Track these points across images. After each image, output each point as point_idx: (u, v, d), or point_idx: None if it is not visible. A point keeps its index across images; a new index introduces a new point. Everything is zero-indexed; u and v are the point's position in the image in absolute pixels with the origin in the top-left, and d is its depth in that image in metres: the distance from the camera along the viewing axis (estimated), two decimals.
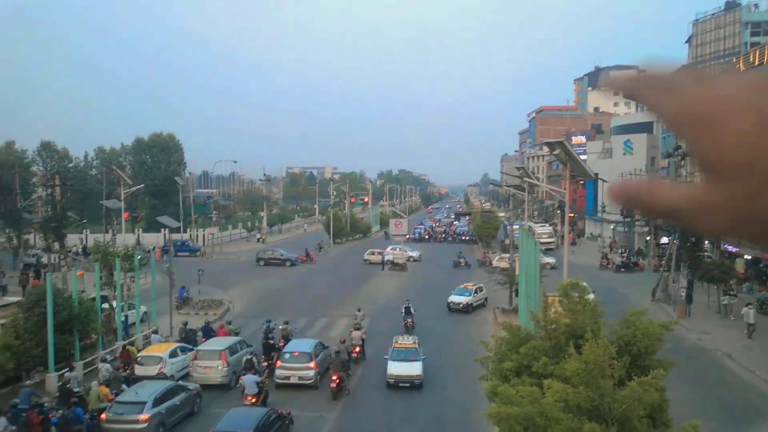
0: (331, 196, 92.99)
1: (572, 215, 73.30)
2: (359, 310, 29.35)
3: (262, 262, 52.11)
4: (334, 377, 20.77)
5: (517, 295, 29.52)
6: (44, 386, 20.57)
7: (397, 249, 54.85)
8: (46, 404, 17.72)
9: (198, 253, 57.44)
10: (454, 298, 34.55)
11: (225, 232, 73.38)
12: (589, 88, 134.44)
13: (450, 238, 77.83)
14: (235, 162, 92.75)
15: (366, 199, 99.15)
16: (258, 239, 71.46)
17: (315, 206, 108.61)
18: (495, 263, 47.01)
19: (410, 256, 55.11)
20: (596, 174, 60.67)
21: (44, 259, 43.38)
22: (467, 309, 33.86)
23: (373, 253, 54.29)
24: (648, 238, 54.64)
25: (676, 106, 0.52)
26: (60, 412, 17.07)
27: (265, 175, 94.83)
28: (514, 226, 42.49)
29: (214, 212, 79.57)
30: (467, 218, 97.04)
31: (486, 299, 35.70)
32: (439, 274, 48.45)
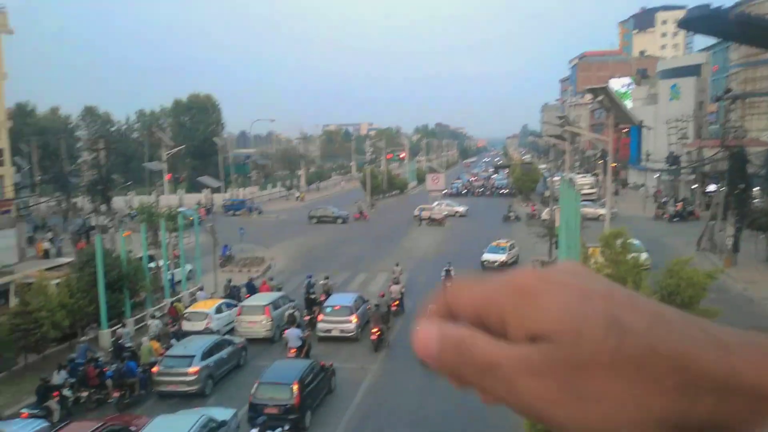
0: (368, 152, 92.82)
1: (615, 165, 71.56)
2: (397, 265, 29.56)
3: (314, 220, 52.35)
4: (375, 330, 21.12)
5: (557, 248, 29.19)
6: (98, 342, 21.58)
7: (443, 204, 54.41)
8: (101, 358, 18.62)
9: (254, 211, 57.82)
10: (488, 257, 33.13)
11: (264, 191, 74.38)
12: (635, 31, 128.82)
13: (488, 192, 77.07)
14: (272, 121, 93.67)
15: (402, 155, 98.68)
16: (297, 197, 72.21)
17: (351, 163, 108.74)
18: (545, 216, 45.94)
19: (456, 211, 54.35)
20: (641, 121, 58.78)
21: (92, 221, 44.82)
22: (503, 268, 32.03)
23: (424, 209, 52.55)
24: (694, 186, 52.94)
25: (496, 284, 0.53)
26: (114, 365, 17.91)
27: (301, 133, 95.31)
28: (555, 178, 41.68)
29: (253, 171, 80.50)
30: (506, 171, 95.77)
31: (518, 257, 34.47)
32: (479, 229, 48.23)
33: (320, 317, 22.52)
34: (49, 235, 42.50)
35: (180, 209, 35.60)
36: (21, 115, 70.57)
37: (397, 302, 25.07)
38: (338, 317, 22.12)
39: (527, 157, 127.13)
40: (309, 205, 57.32)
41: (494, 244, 34.39)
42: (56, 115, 78.93)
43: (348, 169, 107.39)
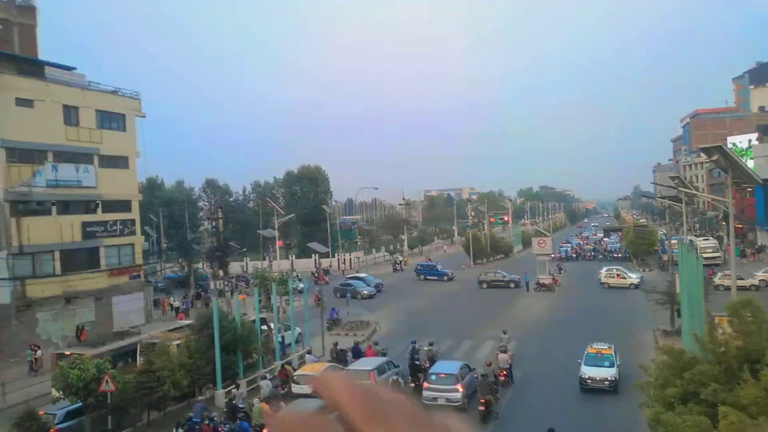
0: (470, 216, 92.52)
1: (740, 226, 66.24)
2: (505, 332, 28.70)
3: (485, 285, 51.35)
4: (482, 401, 20.43)
5: (679, 316, 27.17)
6: (213, 401, 22.46)
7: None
8: (216, 418, 19.32)
9: (445, 278, 56.99)
10: (590, 372, 23.26)
11: (369, 256, 75.76)
12: (752, 87, 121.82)
13: (600, 256, 73.78)
14: (376, 188, 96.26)
15: (506, 218, 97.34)
16: (400, 261, 72.86)
17: (453, 227, 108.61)
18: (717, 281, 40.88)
19: (630, 283, 47.75)
20: (766, 179, 54.52)
21: (211, 285, 47.58)
22: (613, 388, 22.56)
23: (611, 276, 49.53)
24: None
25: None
26: (228, 426, 18.52)
27: (404, 199, 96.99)
28: (673, 241, 39.26)
29: (359, 237, 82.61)
30: (618, 234, 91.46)
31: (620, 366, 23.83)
32: (589, 294, 46.07)
33: (426, 385, 22.16)
34: (175, 301, 45.62)
35: (296, 275, 37.29)
36: (150, 188, 77.60)
37: (505, 372, 24.21)
38: (444, 385, 21.64)
39: (642, 220, 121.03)
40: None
41: (592, 350, 24.45)
42: (181, 187, 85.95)
43: (450, 233, 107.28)
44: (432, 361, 25.23)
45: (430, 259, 70.72)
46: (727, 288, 39.06)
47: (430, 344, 27.35)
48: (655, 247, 64.46)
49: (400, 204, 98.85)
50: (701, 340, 12.66)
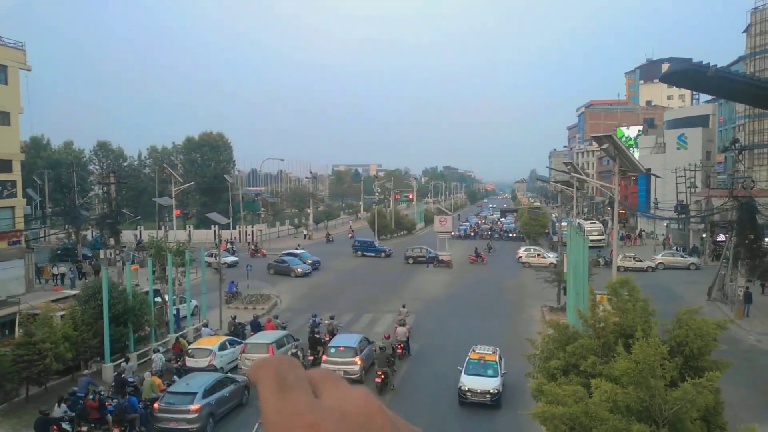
0: (376, 193, 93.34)
1: (623, 212, 71.39)
2: (404, 307, 29.39)
3: (411, 260, 51.21)
4: (379, 373, 20.86)
5: (565, 293, 29.00)
6: (101, 375, 21.42)
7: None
8: (102, 392, 18.42)
9: (382, 254, 55.56)
10: (471, 383, 20.06)
11: (273, 229, 74.58)
12: (641, 82, 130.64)
13: (496, 236, 77.00)
14: (282, 160, 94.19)
15: (410, 196, 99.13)
16: (305, 236, 72.37)
17: (360, 203, 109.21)
18: (551, 261, 44.71)
19: (550, 263, 47.27)
20: (648, 169, 58.92)
21: (100, 254, 45.03)
22: (495, 402, 19.72)
23: (531, 255, 51.01)
24: (704, 235, 52.72)
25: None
26: (115, 400, 17.74)
27: (311, 172, 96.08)
28: (563, 223, 41.66)
29: (262, 209, 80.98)
30: (514, 215, 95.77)
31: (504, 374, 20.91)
32: (487, 271, 48.05)
33: (324, 358, 22.30)
34: (62, 268, 42.74)
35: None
36: (35, 148, 71.69)
37: (402, 345, 24.83)
38: (342, 358, 21.88)
39: (536, 202, 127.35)
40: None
41: (475, 356, 21.30)
42: (69, 149, 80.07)
43: (356, 209, 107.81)
44: (332, 334, 25.41)
45: (329, 235, 70.87)
46: (628, 269, 42.54)
47: (331, 318, 27.49)
48: (546, 230, 68.22)
49: (306, 177, 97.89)
50: (584, 315, 13.55)
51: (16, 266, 35.36)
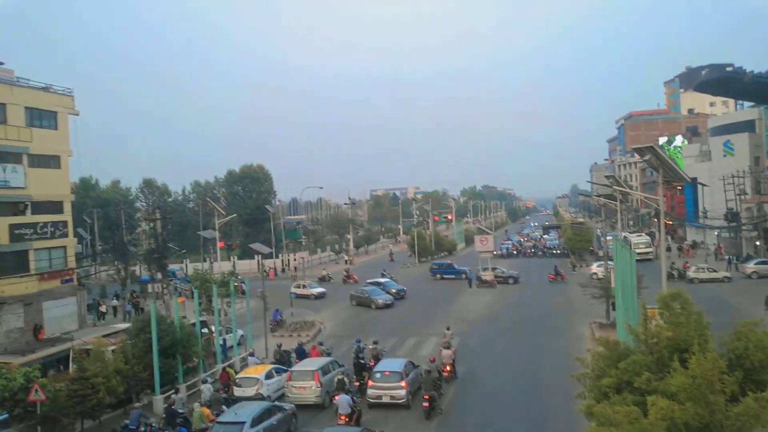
0: (414, 215, 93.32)
1: (670, 222, 69.36)
2: (448, 329, 29.03)
3: (477, 282, 49.59)
4: (426, 396, 20.57)
5: (614, 309, 28.17)
6: (152, 408, 21.72)
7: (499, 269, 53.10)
8: (154, 425, 18.68)
9: (463, 276, 53.27)
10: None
11: (314, 256, 75.20)
12: (682, 90, 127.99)
13: (540, 253, 75.74)
14: (321, 188, 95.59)
15: (449, 217, 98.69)
16: (345, 261, 72.68)
17: (399, 226, 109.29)
18: (600, 275, 43.20)
19: (510, 277, 51.47)
20: (694, 178, 57.29)
21: (149, 288, 46.08)
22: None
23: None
24: (758, 242, 50.66)
25: None
26: None
27: (350, 198, 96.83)
28: (608, 237, 40.72)
29: (303, 237, 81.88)
30: (557, 231, 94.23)
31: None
32: (531, 290, 47.20)
33: (370, 383, 22.14)
34: (114, 301, 43.89)
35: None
36: (84, 188, 74.48)
37: (448, 368, 24.47)
38: (388, 383, 21.67)
39: (579, 218, 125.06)
40: (358, 267, 56.61)
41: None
42: (117, 187, 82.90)
43: (396, 232, 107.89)
44: (377, 359, 25.24)
45: (392, 254, 70.28)
46: (702, 281, 41.22)
47: (375, 342, 27.35)
48: (591, 248, 66.80)
49: (345, 203, 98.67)
50: (635, 331, 13.11)
51: (69, 303, 36.47)
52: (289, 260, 69.27)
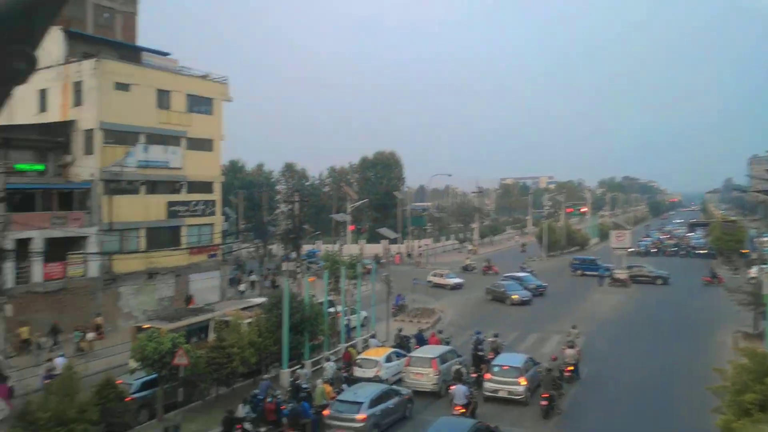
0: (545, 206, 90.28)
1: None
2: (574, 327, 27.93)
3: (609, 280, 47.32)
4: (545, 395, 20.02)
5: (764, 318, 25.49)
6: (279, 380, 23.18)
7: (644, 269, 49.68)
8: (279, 396, 19.95)
9: (603, 274, 49.28)
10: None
11: (438, 244, 75.49)
12: None
13: (683, 252, 70.18)
14: (450, 175, 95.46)
15: (583, 209, 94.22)
16: (469, 250, 72.23)
17: (527, 217, 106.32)
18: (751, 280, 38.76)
19: (658, 276, 47.78)
20: None
21: (282, 266, 48.90)
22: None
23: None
24: None
25: None
26: (290, 405, 19.07)
27: (478, 187, 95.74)
28: (762, 238, 36.74)
29: (429, 224, 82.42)
30: (705, 229, 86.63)
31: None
32: (671, 292, 44.00)
33: (487, 376, 21.94)
34: (253, 277, 47.23)
35: (365, 261, 37.88)
36: (232, 170, 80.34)
37: (571, 368, 23.58)
38: (506, 378, 21.35)
39: (731, 215, 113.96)
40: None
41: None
42: (261, 170, 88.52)
43: (523, 223, 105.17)
44: (496, 352, 24.93)
45: (524, 245, 68.34)
46: None
47: (495, 335, 27.01)
48: (743, 250, 60.60)
49: (473, 192, 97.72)
50: None
51: (213, 277, 39.79)
52: (413, 246, 70.18)
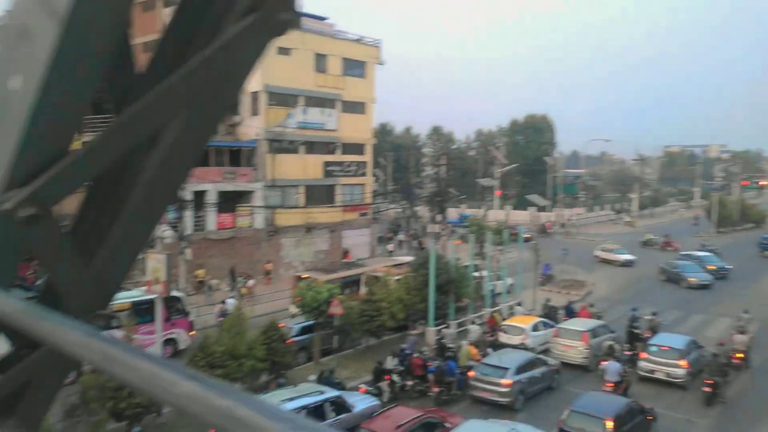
0: (716, 177, 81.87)
1: None
2: (746, 312, 25.37)
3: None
4: (708, 381, 18.53)
5: None
6: (424, 337, 23.78)
7: None
8: (426, 353, 20.49)
9: None
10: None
11: (591, 214, 71.89)
12: None
13: None
14: (608, 141, 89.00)
15: (762, 183, 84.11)
16: (626, 222, 67.92)
17: (695, 189, 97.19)
18: None
19: None
20: None
21: (428, 228, 49.59)
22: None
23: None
24: None
25: None
26: (436, 362, 19.52)
27: (638, 154, 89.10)
28: None
29: (582, 192, 78.56)
30: None
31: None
32: None
33: (643, 355, 20.76)
34: (401, 236, 48.63)
35: (519, 228, 37.31)
36: (382, 133, 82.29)
37: (741, 355, 21.52)
38: (665, 359, 20.04)
39: None
40: (639, 231, 50.37)
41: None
42: (409, 134, 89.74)
43: (689, 195, 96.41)
44: (653, 331, 23.50)
45: (696, 218, 62.35)
46: None
47: (653, 314, 25.39)
48: None
49: (633, 159, 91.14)
50: None
51: (364, 234, 41.49)
52: (564, 215, 67.49)
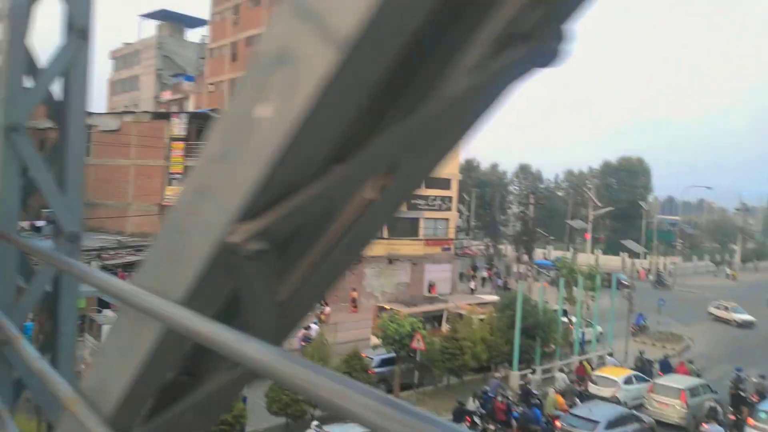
0: None
1: None
2: None
3: None
4: None
5: None
6: (508, 381, 22.89)
7: None
8: (509, 398, 19.69)
9: None
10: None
11: (688, 263, 67.79)
12: None
13: None
14: (710, 188, 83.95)
15: None
16: (727, 275, 63.42)
17: None
18: None
19: None
20: None
21: (514, 268, 48.41)
22: None
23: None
24: None
25: None
26: (521, 408, 18.71)
27: (741, 203, 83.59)
28: None
29: (679, 240, 74.36)
30: None
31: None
32: None
33: (751, 421, 18.97)
34: (484, 273, 47.76)
35: (619, 275, 35.57)
36: (468, 168, 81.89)
37: None
38: None
39: None
40: (742, 285, 45.45)
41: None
42: (495, 170, 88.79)
43: None
44: (761, 395, 21.46)
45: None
46: None
47: (761, 376, 23.22)
48: None
49: (735, 209, 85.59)
50: None
51: (446, 269, 41.02)
52: (658, 263, 63.94)
